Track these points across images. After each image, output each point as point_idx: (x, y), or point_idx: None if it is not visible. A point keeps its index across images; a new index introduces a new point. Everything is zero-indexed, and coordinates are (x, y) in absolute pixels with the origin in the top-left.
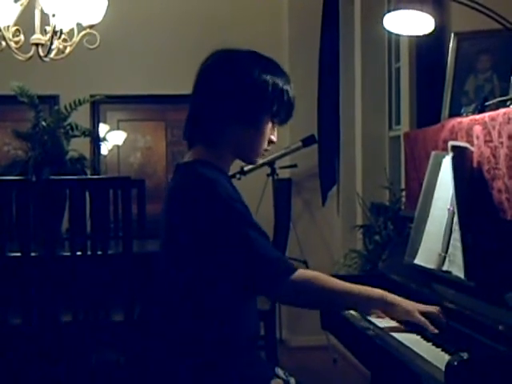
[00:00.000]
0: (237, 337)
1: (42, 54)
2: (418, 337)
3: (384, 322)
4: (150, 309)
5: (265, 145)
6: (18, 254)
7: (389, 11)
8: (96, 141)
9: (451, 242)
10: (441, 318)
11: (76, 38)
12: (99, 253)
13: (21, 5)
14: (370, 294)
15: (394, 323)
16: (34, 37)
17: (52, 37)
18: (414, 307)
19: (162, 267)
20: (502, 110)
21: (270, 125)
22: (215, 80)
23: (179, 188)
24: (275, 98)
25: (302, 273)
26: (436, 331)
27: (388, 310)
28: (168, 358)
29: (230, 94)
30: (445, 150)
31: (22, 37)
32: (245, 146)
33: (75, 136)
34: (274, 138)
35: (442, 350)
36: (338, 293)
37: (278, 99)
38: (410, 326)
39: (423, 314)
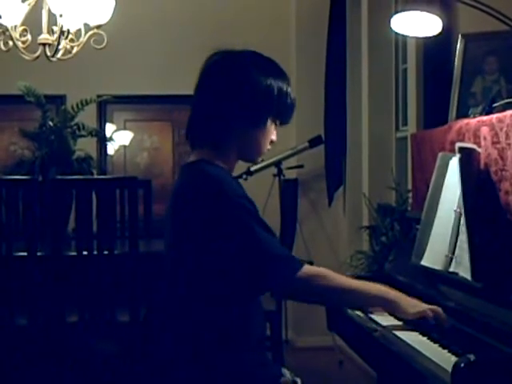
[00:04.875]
0: (245, 337)
1: (49, 53)
2: (425, 338)
3: (387, 321)
4: (156, 309)
5: (268, 145)
6: (24, 254)
7: (396, 12)
8: (103, 141)
9: (458, 243)
10: (444, 319)
11: (83, 38)
12: (105, 253)
13: (28, 5)
14: (374, 291)
15: (397, 322)
16: (41, 37)
17: (59, 37)
18: (414, 306)
19: (169, 268)
20: (509, 112)
21: (273, 125)
22: (220, 82)
23: (185, 187)
24: (279, 100)
25: (308, 269)
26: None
27: (389, 307)
28: (174, 358)
29: (236, 96)
30: (452, 151)
31: (29, 37)
32: (250, 147)
33: (82, 136)
34: (274, 137)
35: (449, 352)
36: (343, 289)
37: (282, 101)
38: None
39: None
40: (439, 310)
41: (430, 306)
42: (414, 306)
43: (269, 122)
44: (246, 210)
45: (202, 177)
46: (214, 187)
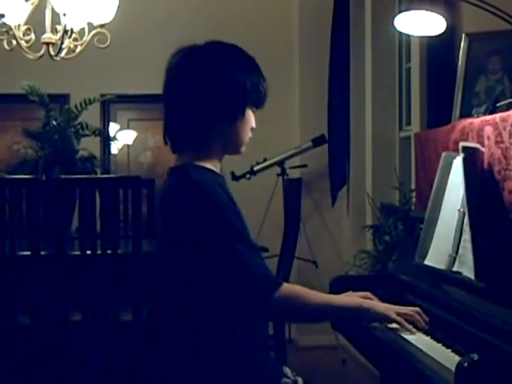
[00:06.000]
0: (247, 336)
1: (52, 53)
2: (428, 337)
3: None
4: (159, 309)
5: (249, 133)
6: (28, 253)
7: (400, 12)
8: (106, 140)
9: (461, 243)
10: (420, 320)
11: (87, 37)
12: (109, 252)
13: (32, 4)
14: (348, 304)
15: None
16: (45, 36)
17: (63, 36)
18: (388, 309)
19: (164, 268)
20: None
21: (250, 112)
22: (191, 80)
23: (171, 192)
24: (253, 89)
25: (285, 289)
26: (414, 330)
27: (364, 317)
28: (177, 358)
29: (209, 94)
30: (455, 150)
31: (32, 36)
32: (233, 139)
33: (85, 135)
34: (253, 124)
35: (452, 351)
36: (319, 307)
37: (255, 89)
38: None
39: (401, 315)
40: (410, 311)
41: (405, 309)
42: (389, 308)
43: (247, 110)
44: (229, 224)
45: (189, 184)
46: (199, 197)
